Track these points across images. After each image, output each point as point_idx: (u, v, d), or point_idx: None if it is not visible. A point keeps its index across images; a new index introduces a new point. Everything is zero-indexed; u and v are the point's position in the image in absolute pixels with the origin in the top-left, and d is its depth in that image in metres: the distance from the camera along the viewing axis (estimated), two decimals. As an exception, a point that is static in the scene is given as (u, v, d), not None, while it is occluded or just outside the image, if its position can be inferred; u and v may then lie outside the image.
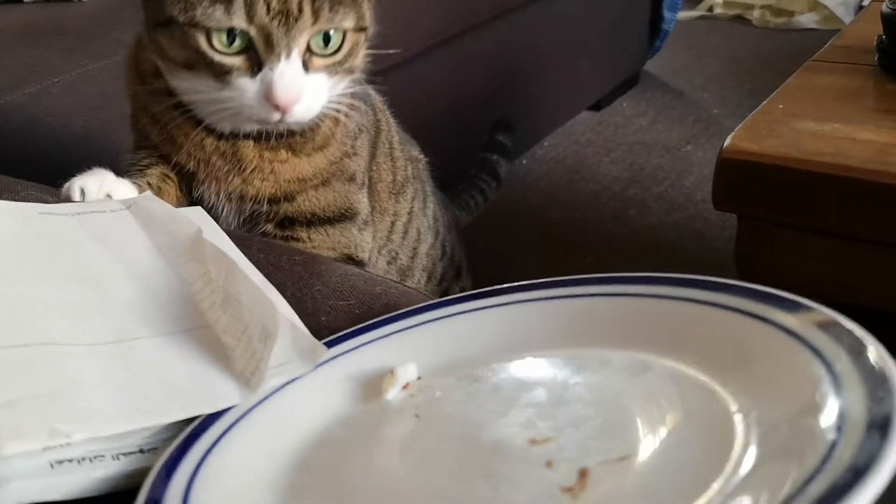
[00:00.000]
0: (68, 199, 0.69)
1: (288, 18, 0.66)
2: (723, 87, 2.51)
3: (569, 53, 2.09)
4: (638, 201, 1.92)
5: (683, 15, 2.80)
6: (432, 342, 0.49)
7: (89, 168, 0.73)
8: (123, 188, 0.70)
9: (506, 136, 1.48)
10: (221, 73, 0.67)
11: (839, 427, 0.33)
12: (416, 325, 0.51)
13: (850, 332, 0.38)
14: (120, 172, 0.78)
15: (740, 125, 0.91)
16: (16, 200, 0.65)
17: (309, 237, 0.78)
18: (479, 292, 0.51)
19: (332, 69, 0.70)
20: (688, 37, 2.84)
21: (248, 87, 0.67)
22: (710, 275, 0.46)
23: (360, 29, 0.72)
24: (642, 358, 0.43)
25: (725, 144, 0.87)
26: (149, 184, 0.74)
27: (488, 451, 0.39)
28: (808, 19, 2.88)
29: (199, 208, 0.67)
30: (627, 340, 0.44)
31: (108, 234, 0.59)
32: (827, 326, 0.39)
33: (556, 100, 2.13)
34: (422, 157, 1.03)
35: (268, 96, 0.66)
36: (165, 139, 0.75)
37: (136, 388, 0.45)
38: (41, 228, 0.58)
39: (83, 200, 0.68)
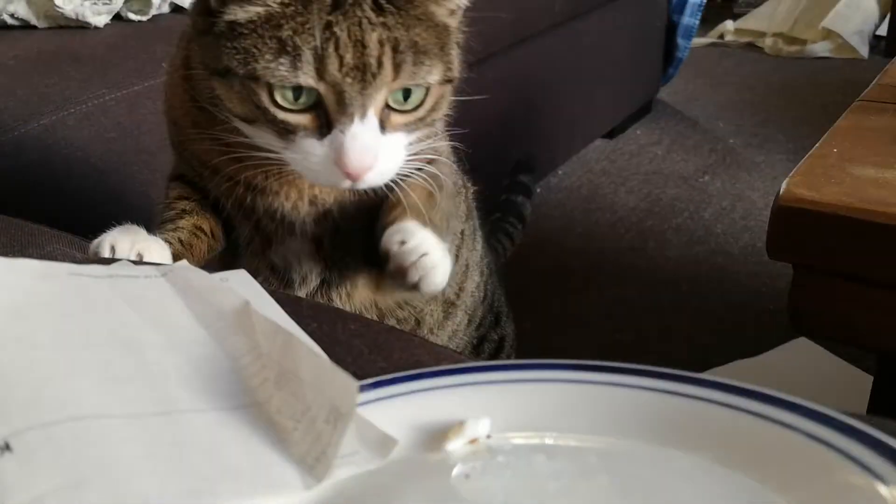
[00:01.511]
0: (97, 255, 0.63)
1: (364, 74, 0.57)
2: (737, 115, 2.48)
3: (585, 81, 2.06)
4: (656, 233, 1.87)
5: (694, 42, 2.78)
6: (508, 402, 0.46)
7: (117, 223, 0.67)
8: (156, 246, 0.65)
9: (528, 176, 1.45)
10: (285, 132, 0.59)
11: None
12: (488, 382, 0.48)
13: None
14: (145, 211, 0.73)
15: (794, 170, 0.86)
16: (41, 255, 0.60)
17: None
18: (575, 363, 0.47)
19: (412, 126, 0.62)
20: (699, 64, 2.81)
21: (315, 149, 0.59)
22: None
23: (447, 81, 0.64)
24: (710, 460, 0.40)
25: (781, 191, 0.83)
26: (180, 240, 0.69)
27: None
28: (821, 48, 2.86)
29: (242, 271, 0.61)
30: (699, 444, 0.41)
31: (143, 300, 0.53)
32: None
33: (571, 127, 2.10)
34: (469, 185, 0.93)
35: (337, 161, 0.58)
36: (234, 159, 0.66)
37: (187, 468, 0.40)
38: (69, 289, 0.53)
39: (113, 258, 0.62)
